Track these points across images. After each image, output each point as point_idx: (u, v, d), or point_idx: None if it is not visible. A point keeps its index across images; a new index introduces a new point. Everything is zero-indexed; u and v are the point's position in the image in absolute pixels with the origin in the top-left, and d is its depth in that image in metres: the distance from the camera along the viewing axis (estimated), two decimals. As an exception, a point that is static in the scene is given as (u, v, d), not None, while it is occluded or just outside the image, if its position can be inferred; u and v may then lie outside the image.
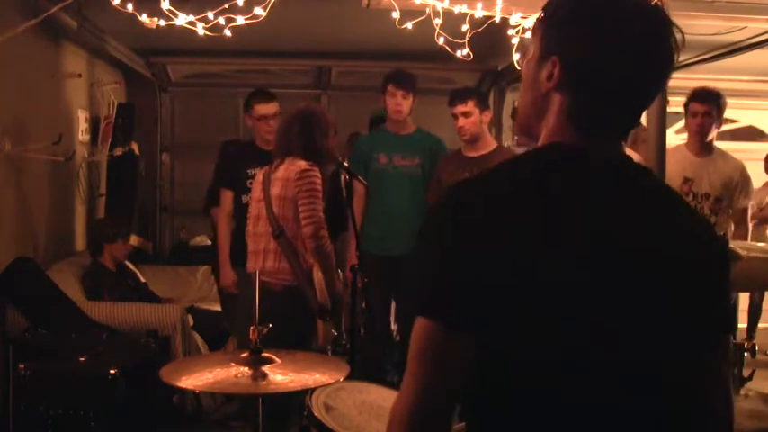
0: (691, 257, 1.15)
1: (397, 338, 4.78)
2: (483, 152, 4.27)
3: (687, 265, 1.14)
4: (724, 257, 1.22)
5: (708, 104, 4.20)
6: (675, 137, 7.33)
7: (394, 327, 4.85)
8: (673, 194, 1.23)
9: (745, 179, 4.28)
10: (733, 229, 4.32)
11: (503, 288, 1.06)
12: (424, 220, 1.16)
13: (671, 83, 1.22)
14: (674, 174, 4.30)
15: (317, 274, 3.36)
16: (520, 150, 4.83)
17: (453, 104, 4.26)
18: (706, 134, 4.24)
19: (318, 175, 3.39)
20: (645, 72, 1.16)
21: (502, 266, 1.06)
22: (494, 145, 4.39)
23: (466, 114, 4.22)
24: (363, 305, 3.66)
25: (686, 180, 4.26)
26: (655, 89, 1.20)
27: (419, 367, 1.09)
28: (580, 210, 1.10)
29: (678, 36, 1.17)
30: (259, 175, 3.59)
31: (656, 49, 1.16)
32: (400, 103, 4.42)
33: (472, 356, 1.07)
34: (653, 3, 1.19)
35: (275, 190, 3.41)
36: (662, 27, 1.16)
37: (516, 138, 5.24)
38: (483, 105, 4.31)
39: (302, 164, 3.39)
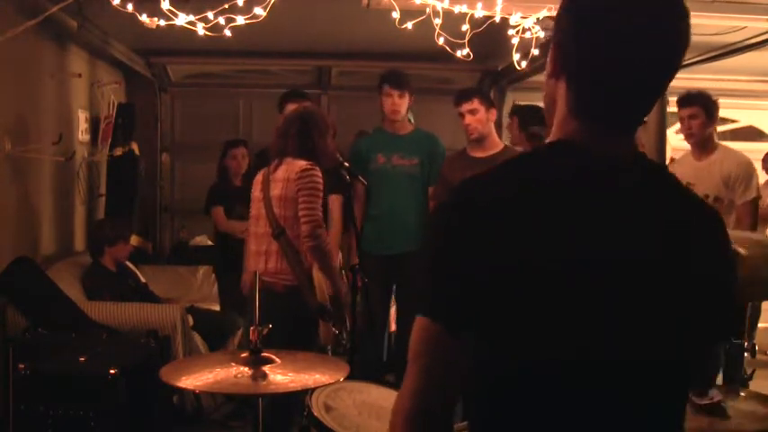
0: (692, 260, 1.13)
1: (396, 339, 4.77)
2: (491, 152, 4.22)
3: (687, 268, 1.12)
4: (729, 263, 1.19)
5: (690, 107, 4.16)
6: (675, 137, 7.33)
7: (393, 327, 4.84)
8: (682, 191, 1.19)
9: (745, 173, 4.12)
10: (730, 226, 4.14)
11: (503, 288, 1.05)
12: (429, 219, 1.15)
13: (671, 83, 1.19)
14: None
15: (317, 274, 3.37)
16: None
17: (459, 103, 4.24)
18: (696, 136, 4.20)
19: (319, 174, 3.39)
20: (646, 57, 1.09)
21: (503, 267, 1.05)
22: (501, 145, 4.33)
23: (472, 112, 4.19)
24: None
25: (688, 185, 4.21)
26: (661, 75, 1.13)
27: (419, 367, 1.09)
28: (581, 211, 1.09)
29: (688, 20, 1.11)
30: (259, 175, 3.60)
31: (659, 32, 1.10)
32: (397, 103, 4.43)
33: (471, 355, 1.08)
34: None
35: (276, 191, 3.42)
36: (665, 8, 1.10)
37: (510, 138, 5.23)
38: (488, 103, 4.29)
39: (302, 163, 3.39)
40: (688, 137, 4.25)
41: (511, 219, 1.07)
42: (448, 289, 1.08)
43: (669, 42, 1.11)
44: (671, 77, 1.14)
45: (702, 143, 4.23)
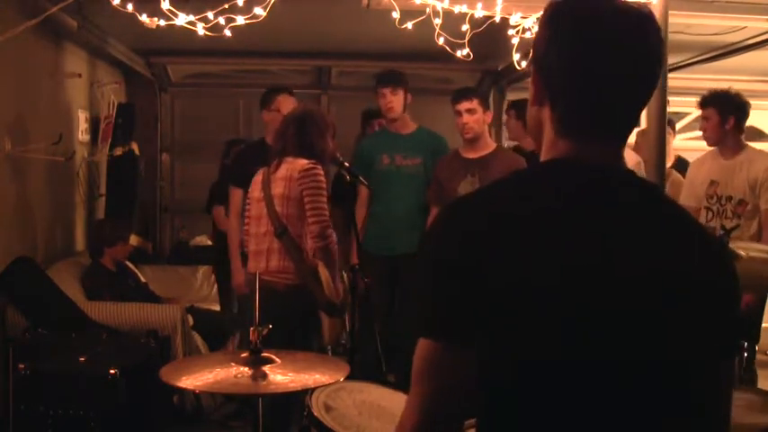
0: (689, 270, 1.13)
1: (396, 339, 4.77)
2: (483, 153, 4.27)
3: (684, 278, 1.12)
4: (727, 270, 1.19)
5: (705, 108, 4.08)
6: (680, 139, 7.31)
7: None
8: (671, 206, 1.21)
9: None
10: (753, 229, 3.95)
11: (501, 303, 1.05)
12: (423, 237, 1.15)
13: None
14: (702, 177, 4.18)
15: (323, 271, 3.36)
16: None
17: (458, 101, 4.26)
18: (709, 138, 4.12)
19: (322, 172, 3.40)
20: (621, 73, 1.13)
21: (500, 282, 1.05)
22: (493, 146, 4.38)
23: (471, 111, 4.22)
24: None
25: (712, 183, 4.12)
26: (639, 89, 1.16)
27: (423, 386, 1.09)
28: (576, 225, 1.09)
29: (660, 33, 1.15)
30: (258, 175, 3.58)
31: (632, 47, 1.13)
32: (390, 100, 4.44)
33: (475, 369, 1.07)
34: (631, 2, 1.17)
35: (278, 189, 3.41)
36: (637, 24, 1.14)
37: (509, 131, 5.29)
38: (486, 106, 4.36)
39: (303, 162, 3.39)
40: (704, 138, 4.18)
41: (505, 234, 1.07)
42: (444, 306, 1.08)
43: (648, 49, 1.14)
44: (653, 81, 1.17)
45: (725, 142, 4.10)
